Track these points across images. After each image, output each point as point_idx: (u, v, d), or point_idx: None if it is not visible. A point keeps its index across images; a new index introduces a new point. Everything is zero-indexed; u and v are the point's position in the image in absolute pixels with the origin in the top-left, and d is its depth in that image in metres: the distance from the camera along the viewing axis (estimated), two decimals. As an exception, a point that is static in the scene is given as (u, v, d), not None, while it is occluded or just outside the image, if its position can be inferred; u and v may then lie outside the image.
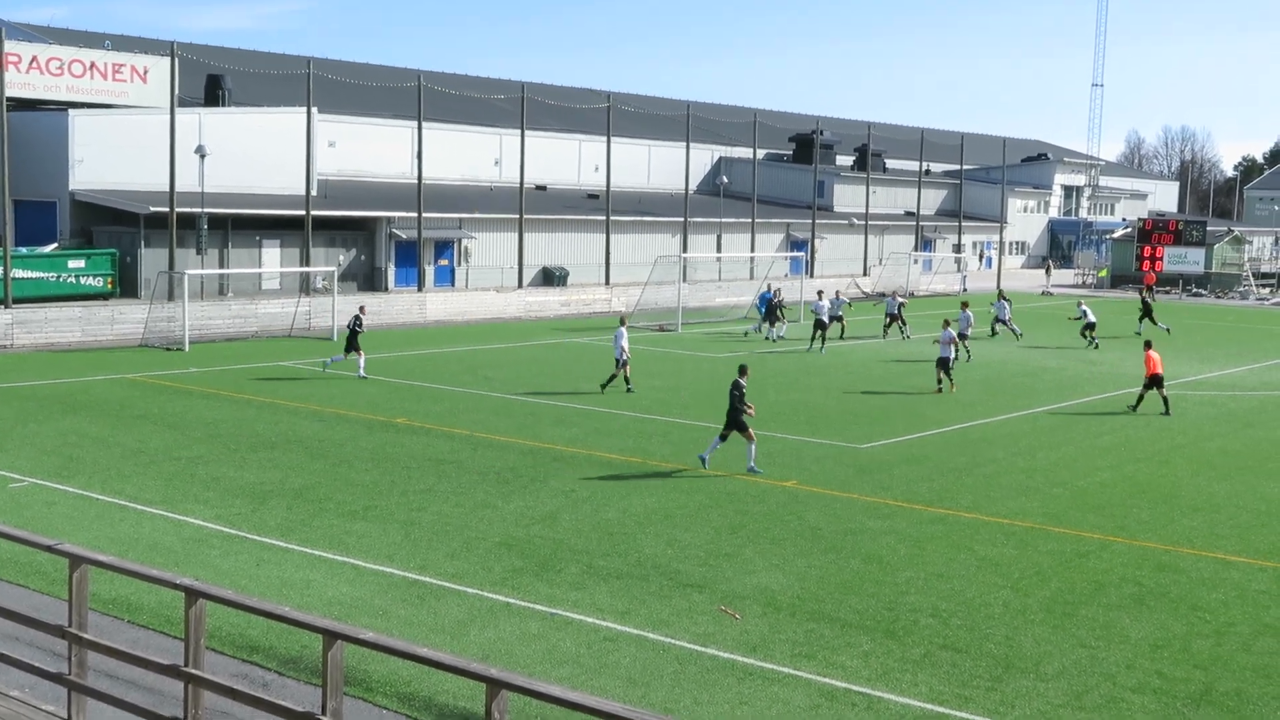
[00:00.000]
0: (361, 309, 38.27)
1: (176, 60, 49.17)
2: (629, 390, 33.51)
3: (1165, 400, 32.05)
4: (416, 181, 55.40)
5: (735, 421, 23.71)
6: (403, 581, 16.56)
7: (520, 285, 59.36)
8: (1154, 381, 32.12)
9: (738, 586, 16.68)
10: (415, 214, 55.82)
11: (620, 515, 20.26)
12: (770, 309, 48.72)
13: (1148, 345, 33.30)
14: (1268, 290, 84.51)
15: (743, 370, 24.52)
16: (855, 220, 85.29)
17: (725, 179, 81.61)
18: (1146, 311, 53.20)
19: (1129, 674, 13.99)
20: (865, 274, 76.80)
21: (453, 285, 64.52)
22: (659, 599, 16.10)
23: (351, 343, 35.66)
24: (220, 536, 18.52)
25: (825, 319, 44.61)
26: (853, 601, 16.19)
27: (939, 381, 35.05)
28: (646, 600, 16.03)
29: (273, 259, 58.35)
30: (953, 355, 35.29)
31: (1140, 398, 32.41)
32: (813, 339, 44.72)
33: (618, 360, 33.72)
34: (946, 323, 36.56)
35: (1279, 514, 21.64)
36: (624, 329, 34.32)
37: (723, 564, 17.69)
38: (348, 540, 18.41)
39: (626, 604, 15.86)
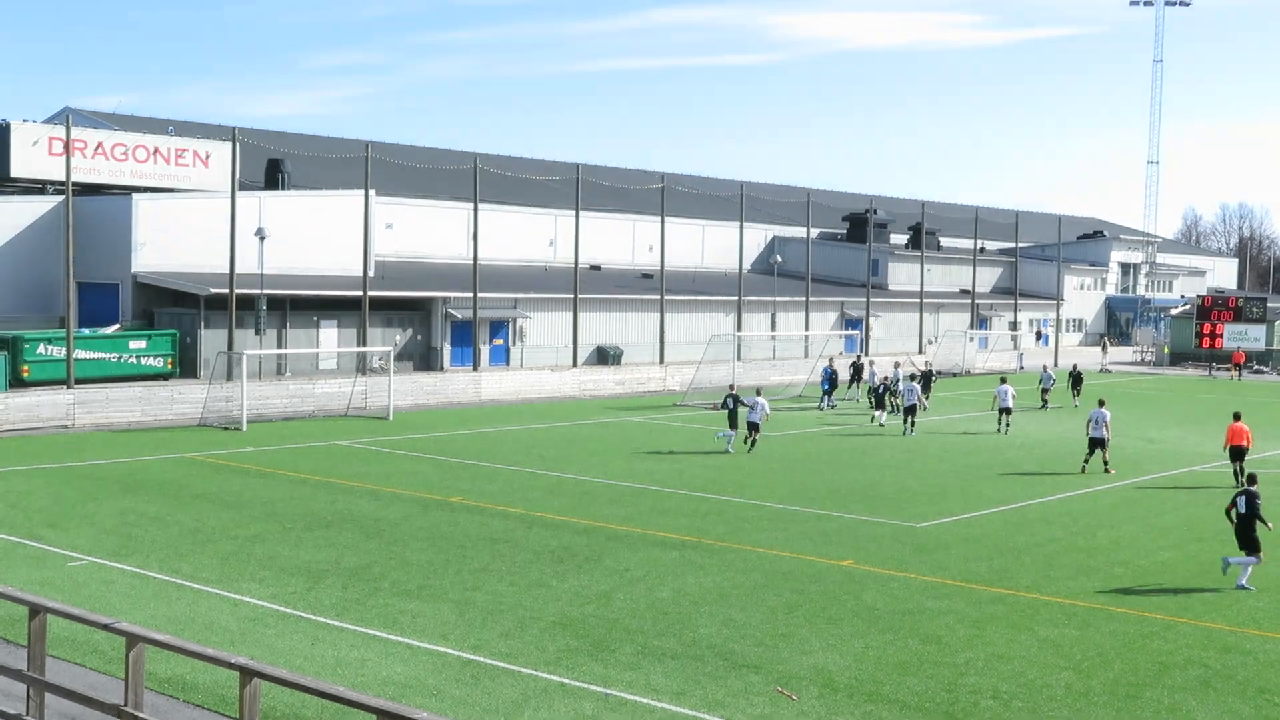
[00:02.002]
0: (732, 386, 42.05)
1: (238, 145, 50.10)
2: (750, 450, 37.12)
3: (1240, 473, 32.03)
4: (472, 262, 55.95)
5: (1249, 536, 21.54)
6: (457, 661, 16.50)
7: (575, 364, 59.54)
8: (1235, 453, 32.38)
9: (794, 667, 16.48)
10: (471, 294, 56.27)
11: (675, 595, 20.12)
12: (877, 391, 48.00)
13: (1236, 417, 33.47)
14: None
15: (1253, 479, 22.65)
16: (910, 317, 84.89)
17: (779, 258, 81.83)
18: (1076, 384, 53.89)
19: (1197, 759, 13.66)
20: (921, 352, 76.47)
21: (508, 364, 64.86)
22: (714, 680, 15.93)
23: (733, 419, 37.80)
24: (276, 615, 18.55)
25: (916, 401, 43.61)
26: (911, 683, 15.94)
27: (1100, 461, 34.89)
28: (702, 681, 15.87)
29: (330, 339, 58.98)
30: (1106, 435, 34.93)
31: (1237, 471, 32.30)
32: (905, 420, 43.50)
33: (755, 425, 37.28)
34: (1102, 402, 36.06)
35: (1349, 595, 21.14)
36: (764, 399, 38.52)
37: (779, 644, 17.49)
38: (402, 620, 18.38)
39: (682, 684, 15.70)
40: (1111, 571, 22.44)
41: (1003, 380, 45.51)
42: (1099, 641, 17.96)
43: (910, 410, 43.34)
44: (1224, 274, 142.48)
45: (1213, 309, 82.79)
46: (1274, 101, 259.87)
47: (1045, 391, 52.45)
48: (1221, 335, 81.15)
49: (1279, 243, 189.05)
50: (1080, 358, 73.06)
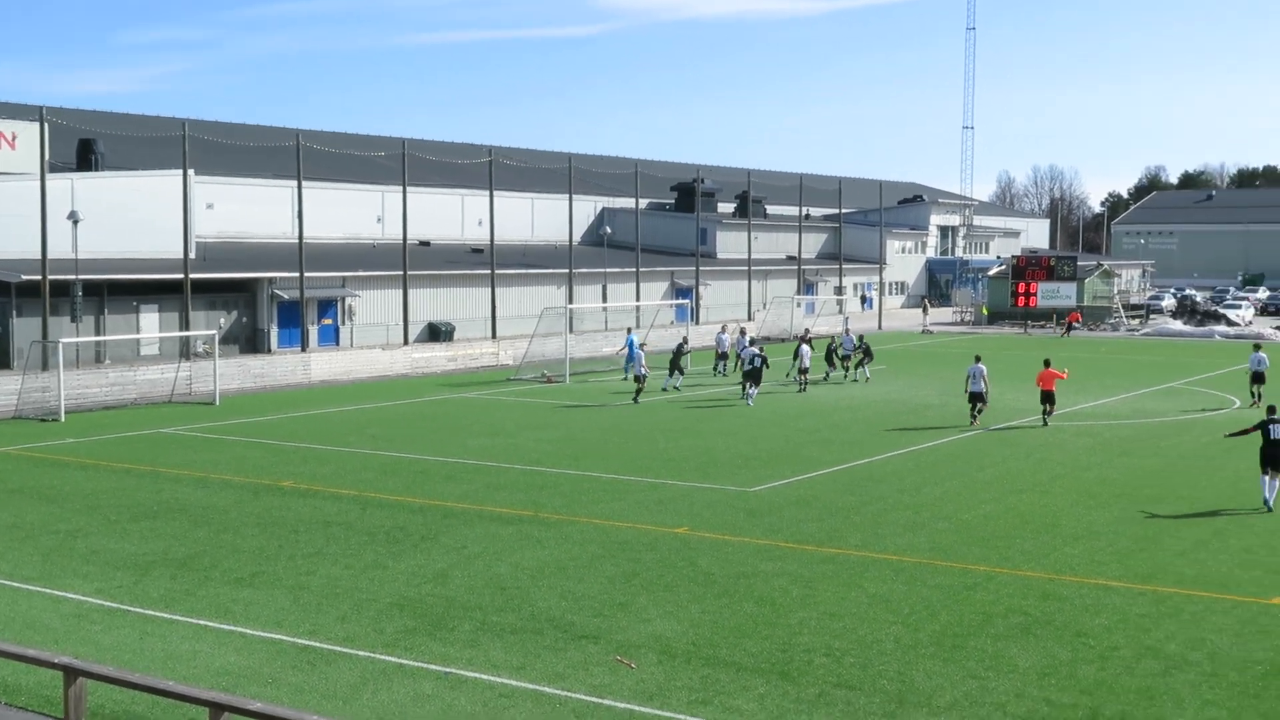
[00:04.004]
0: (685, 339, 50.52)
1: (46, 125, 48.21)
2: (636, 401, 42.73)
3: (1048, 412, 36.32)
4: (298, 241, 54.86)
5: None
6: (292, 648, 16.29)
7: (406, 342, 58.92)
8: (1045, 397, 36.25)
9: (632, 635, 16.68)
10: (297, 274, 55.22)
11: (513, 570, 20.16)
12: (676, 356, 47.16)
13: (1046, 364, 37.27)
14: (1137, 321, 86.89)
15: (1273, 410, 24.41)
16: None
17: (609, 229, 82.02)
18: (865, 356, 50.51)
19: (1018, 703, 14.24)
20: (750, 319, 77.52)
21: (337, 344, 63.81)
22: (554, 652, 16.03)
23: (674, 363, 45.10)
24: (102, 611, 18.06)
25: (760, 366, 42.72)
26: (747, 645, 16.27)
27: (974, 415, 36.85)
28: (541, 654, 15.96)
29: (151, 324, 57.29)
30: (984, 389, 36.92)
31: (1047, 413, 36.39)
32: (744, 387, 42.94)
33: (641, 376, 43.63)
34: (978, 357, 38.40)
35: (1156, 539, 22.24)
36: (641, 352, 44.94)
37: (617, 614, 17.68)
38: (234, 608, 18.07)
39: (521, 659, 15.77)
40: (936, 527, 23.17)
41: (802, 341, 47.92)
42: (925, 595, 18.57)
43: (750, 374, 42.65)
44: (1037, 234, 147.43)
45: (1027, 269, 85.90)
46: (1082, 65, 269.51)
47: (845, 358, 50.56)
48: (1036, 294, 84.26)
49: (1087, 203, 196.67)
50: (903, 319, 74.81)
